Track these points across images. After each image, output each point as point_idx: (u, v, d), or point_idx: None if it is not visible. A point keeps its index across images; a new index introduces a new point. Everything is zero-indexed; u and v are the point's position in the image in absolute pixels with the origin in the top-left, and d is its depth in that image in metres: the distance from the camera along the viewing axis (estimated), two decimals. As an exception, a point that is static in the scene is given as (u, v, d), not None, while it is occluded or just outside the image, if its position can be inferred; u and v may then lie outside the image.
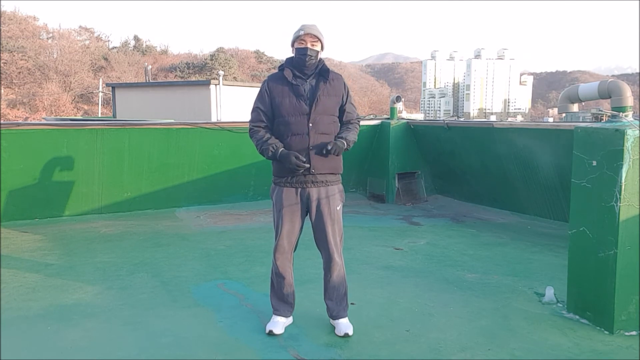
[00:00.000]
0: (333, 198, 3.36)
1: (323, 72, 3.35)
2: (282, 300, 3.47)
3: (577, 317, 3.66)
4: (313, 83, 3.32)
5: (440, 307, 3.89)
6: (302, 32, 3.29)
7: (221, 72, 16.77)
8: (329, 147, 3.24)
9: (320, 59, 3.38)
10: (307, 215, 3.40)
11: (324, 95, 3.30)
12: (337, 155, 3.32)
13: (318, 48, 3.32)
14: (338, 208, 3.39)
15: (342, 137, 3.34)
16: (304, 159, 3.23)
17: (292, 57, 3.37)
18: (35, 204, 6.40)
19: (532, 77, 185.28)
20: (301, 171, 3.25)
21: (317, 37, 3.29)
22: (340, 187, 3.44)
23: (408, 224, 6.84)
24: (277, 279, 3.45)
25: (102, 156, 6.62)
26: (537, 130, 6.54)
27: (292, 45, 3.35)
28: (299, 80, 3.32)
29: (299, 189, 3.33)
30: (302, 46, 3.28)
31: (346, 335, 3.33)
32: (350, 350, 3.19)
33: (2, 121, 6.97)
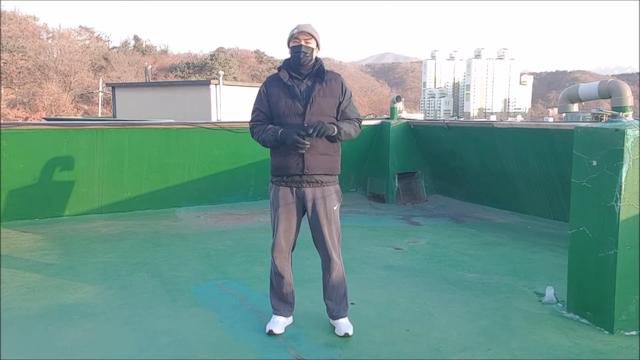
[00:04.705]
0: (329, 198, 3.35)
1: (320, 72, 3.34)
2: (281, 300, 3.47)
3: (577, 317, 3.66)
4: (309, 84, 3.32)
5: (440, 307, 3.89)
6: (295, 31, 3.30)
7: (221, 72, 16.80)
8: (310, 128, 3.15)
9: (318, 59, 3.38)
10: (304, 214, 3.40)
11: (320, 96, 3.29)
12: (320, 136, 3.20)
13: (312, 45, 3.31)
14: (335, 208, 3.39)
15: (334, 123, 3.28)
16: (305, 133, 3.17)
17: (288, 58, 3.38)
18: (35, 204, 6.39)
19: (532, 77, 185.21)
20: (303, 150, 3.19)
21: (311, 35, 3.30)
22: (337, 187, 3.43)
23: (408, 223, 6.84)
24: (276, 279, 3.45)
25: (102, 156, 6.62)
26: (537, 130, 6.54)
27: (288, 45, 3.36)
28: (295, 81, 3.32)
29: (295, 188, 3.33)
30: (297, 44, 3.29)
31: (346, 335, 3.33)
32: (350, 350, 3.19)
33: (2, 121, 6.96)
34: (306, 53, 3.28)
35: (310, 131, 3.16)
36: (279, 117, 3.30)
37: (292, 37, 3.31)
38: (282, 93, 3.31)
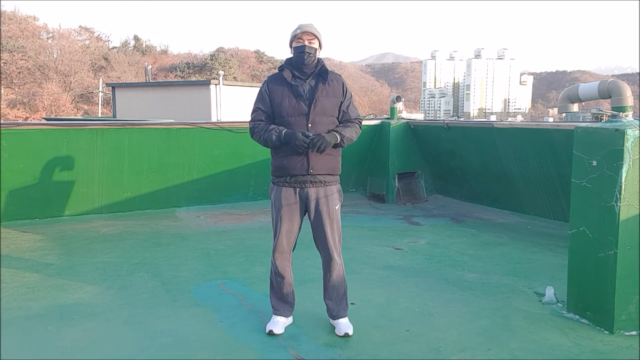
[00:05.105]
0: (332, 198, 3.36)
1: (322, 72, 3.35)
2: (281, 300, 3.47)
3: (577, 317, 3.66)
4: (312, 84, 3.32)
5: (440, 307, 3.89)
6: (299, 31, 3.30)
7: (221, 72, 16.79)
8: (311, 144, 3.16)
9: (320, 60, 3.39)
10: (305, 214, 3.40)
11: (323, 96, 3.30)
12: (320, 152, 3.22)
13: (316, 45, 3.32)
14: (337, 208, 3.39)
15: (335, 131, 3.29)
16: (311, 135, 3.19)
17: (291, 58, 3.38)
18: (35, 204, 6.39)
19: (532, 77, 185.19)
20: (309, 146, 3.18)
21: (314, 35, 3.30)
22: (338, 187, 3.43)
23: (408, 223, 6.84)
24: (277, 279, 3.45)
25: (102, 156, 6.62)
26: (537, 130, 6.54)
27: (290, 46, 3.36)
28: (298, 81, 3.32)
29: (298, 189, 3.33)
30: (300, 44, 3.29)
31: (346, 335, 3.33)
32: (350, 350, 3.19)
33: (2, 121, 6.95)
34: (310, 53, 3.28)
35: (310, 147, 3.17)
36: (281, 116, 3.30)
37: (295, 38, 3.31)
38: (286, 92, 3.30)
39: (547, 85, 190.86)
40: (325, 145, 3.19)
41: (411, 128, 8.32)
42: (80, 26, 62.10)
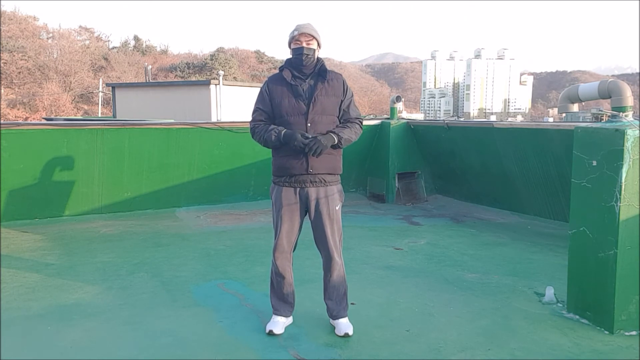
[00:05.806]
0: (332, 198, 3.36)
1: (322, 72, 3.35)
2: (282, 300, 3.47)
3: (577, 317, 3.66)
4: (312, 83, 3.33)
5: (440, 307, 3.89)
6: (296, 32, 3.30)
7: (221, 72, 16.78)
8: (307, 147, 3.17)
9: (320, 59, 3.39)
10: (306, 214, 3.41)
11: (322, 95, 3.30)
12: (317, 155, 3.22)
13: (314, 46, 3.32)
14: (337, 208, 3.39)
15: (333, 132, 3.29)
16: (310, 136, 3.20)
17: (290, 58, 3.38)
18: (35, 204, 6.39)
19: (532, 77, 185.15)
20: (306, 150, 3.20)
21: (312, 36, 3.30)
22: (339, 187, 3.43)
23: (408, 224, 6.84)
24: (277, 279, 3.45)
25: (102, 156, 6.62)
26: (537, 130, 6.54)
27: (289, 47, 3.37)
28: (298, 81, 3.33)
29: (298, 189, 3.33)
30: (298, 46, 3.29)
31: (346, 335, 3.33)
32: (350, 350, 3.19)
33: (2, 121, 6.96)
34: (308, 55, 3.29)
35: (307, 150, 3.18)
36: (281, 116, 3.30)
37: (293, 39, 3.31)
38: (286, 92, 3.31)
39: (547, 85, 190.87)
40: (321, 149, 3.20)
41: (411, 128, 8.32)
42: (80, 26, 62.17)
